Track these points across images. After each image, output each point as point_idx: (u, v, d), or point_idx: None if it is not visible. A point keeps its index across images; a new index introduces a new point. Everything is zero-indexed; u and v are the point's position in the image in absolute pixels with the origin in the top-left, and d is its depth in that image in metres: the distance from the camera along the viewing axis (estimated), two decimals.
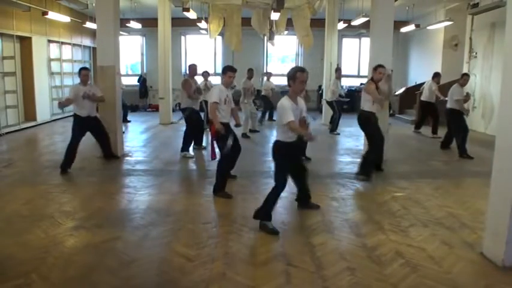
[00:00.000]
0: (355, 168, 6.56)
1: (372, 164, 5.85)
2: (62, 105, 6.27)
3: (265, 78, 12.29)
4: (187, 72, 7.47)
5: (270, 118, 11.82)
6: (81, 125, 6.23)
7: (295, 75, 3.88)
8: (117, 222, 4.21)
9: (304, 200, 4.65)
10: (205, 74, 10.12)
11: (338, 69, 10.41)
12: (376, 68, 5.73)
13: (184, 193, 5.25)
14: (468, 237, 3.86)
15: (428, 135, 9.73)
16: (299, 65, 15.63)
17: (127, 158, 7.20)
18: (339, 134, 9.80)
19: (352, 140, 8.93)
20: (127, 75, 15.38)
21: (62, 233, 3.90)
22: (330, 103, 10.16)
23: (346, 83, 15.54)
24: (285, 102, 3.89)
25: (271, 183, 5.64)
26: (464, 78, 7.79)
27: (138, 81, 15.04)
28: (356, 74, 15.43)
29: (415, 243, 3.72)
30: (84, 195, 5.18)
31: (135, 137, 9.29)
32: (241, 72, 9.61)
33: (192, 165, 6.82)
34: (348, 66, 15.81)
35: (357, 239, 3.84)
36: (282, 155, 4.04)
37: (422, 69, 12.81)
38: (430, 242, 3.77)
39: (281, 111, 3.88)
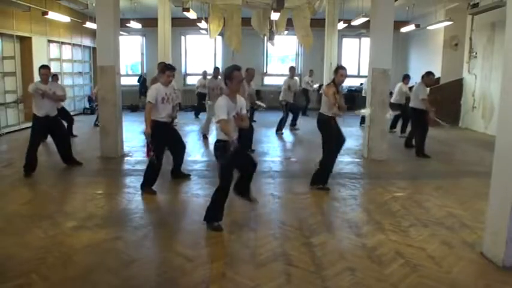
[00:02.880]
0: (355, 169, 6.58)
1: (328, 171, 5.39)
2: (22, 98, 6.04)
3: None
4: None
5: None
6: (40, 126, 5.98)
7: (232, 74, 3.90)
8: (117, 222, 4.21)
9: (242, 190, 4.43)
10: None
11: (291, 68, 10.18)
12: (337, 70, 5.34)
13: (184, 193, 5.25)
14: (468, 237, 3.86)
15: (398, 135, 9.75)
16: (301, 65, 15.66)
17: (127, 158, 7.19)
18: (282, 133, 9.70)
19: (352, 140, 8.91)
20: (127, 75, 15.37)
21: (62, 233, 3.90)
22: (280, 102, 9.99)
23: (346, 83, 15.49)
24: (221, 100, 3.91)
25: (271, 182, 5.70)
26: (430, 77, 7.53)
27: (138, 81, 15.02)
28: (356, 74, 15.42)
29: (415, 243, 3.72)
30: (84, 195, 5.17)
31: (135, 137, 9.28)
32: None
33: (192, 165, 6.81)
34: (348, 66, 15.79)
35: (357, 239, 3.84)
36: (222, 154, 3.98)
37: (422, 69, 12.73)
38: (430, 242, 3.77)
39: (215, 110, 3.90)
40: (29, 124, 10.20)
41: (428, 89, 9.52)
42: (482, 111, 10.32)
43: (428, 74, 7.56)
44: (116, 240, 3.74)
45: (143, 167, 6.51)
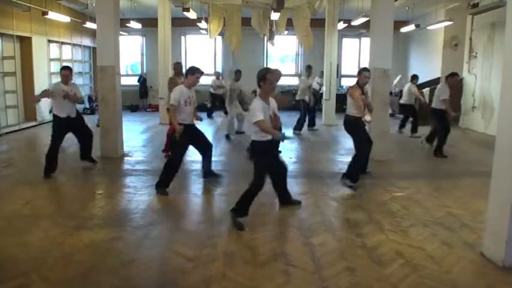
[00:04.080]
0: None
1: (358, 170, 5.50)
2: (41, 96, 5.95)
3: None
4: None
5: None
6: (61, 127, 5.97)
7: (266, 76, 4.00)
8: (117, 222, 4.21)
9: (284, 197, 4.67)
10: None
11: (308, 67, 10.23)
12: (361, 72, 5.41)
13: (184, 193, 5.25)
14: (468, 237, 3.86)
15: (408, 134, 9.79)
16: (301, 65, 15.67)
17: (127, 158, 7.19)
18: (300, 134, 9.76)
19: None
20: (127, 75, 15.37)
21: (62, 233, 3.90)
22: (297, 102, 10.06)
23: (346, 83, 15.57)
24: (256, 102, 4.02)
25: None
26: (455, 78, 7.52)
27: (138, 81, 15.03)
28: (356, 74, 15.41)
29: (415, 243, 3.72)
30: (84, 195, 5.19)
31: (135, 137, 9.29)
32: (243, 72, 9.67)
33: (192, 165, 6.82)
34: (348, 66, 15.84)
35: (357, 239, 3.84)
36: (259, 154, 4.12)
37: (422, 69, 12.80)
38: (430, 242, 3.77)
39: (252, 111, 4.00)
40: (29, 124, 10.30)
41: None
42: (482, 111, 10.32)
43: (453, 75, 7.54)
44: (116, 240, 3.74)
45: (143, 167, 6.55)
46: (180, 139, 4.95)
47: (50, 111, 6.54)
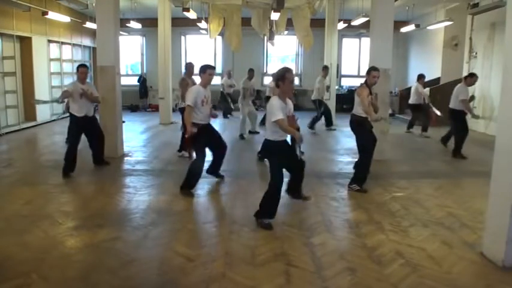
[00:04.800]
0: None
1: (364, 172, 5.36)
2: (62, 97, 5.98)
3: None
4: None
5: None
6: (78, 126, 5.99)
7: (284, 75, 3.96)
8: (117, 222, 4.21)
9: (295, 191, 4.63)
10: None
11: (325, 68, 10.34)
12: (370, 72, 5.26)
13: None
14: (468, 237, 3.86)
15: (418, 134, 9.84)
16: (301, 65, 15.67)
17: (127, 158, 7.19)
18: (314, 132, 9.87)
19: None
20: (127, 75, 15.38)
21: (62, 233, 3.90)
22: (313, 102, 10.19)
23: (346, 83, 15.58)
24: (274, 101, 3.98)
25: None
26: (474, 78, 7.52)
27: (138, 81, 15.04)
28: (356, 74, 15.44)
29: (415, 243, 3.72)
30: (84, 195, 5.19)
31: (135, 137, 9.29)
32: (242, 72, 9.67)
33: None
34: (348, 66, 15.85)
35: (357, 239, 3.84)
36: (272, 154, 4.12)
37: (422, 70, 12.77)
38: (430, 242, 3.77)
39: (270, 110, 3.97)
40: (29, 124, 10.30)
41: (426, 89, 9.56)
42: (482, 111, 10.31)
43: (472, 75, 7.56)
44: (116, 240, 3.74)
45: (143, 167, 6.55)
46: (193, 139, 4.91)
47: (64, 112, 6.49)
